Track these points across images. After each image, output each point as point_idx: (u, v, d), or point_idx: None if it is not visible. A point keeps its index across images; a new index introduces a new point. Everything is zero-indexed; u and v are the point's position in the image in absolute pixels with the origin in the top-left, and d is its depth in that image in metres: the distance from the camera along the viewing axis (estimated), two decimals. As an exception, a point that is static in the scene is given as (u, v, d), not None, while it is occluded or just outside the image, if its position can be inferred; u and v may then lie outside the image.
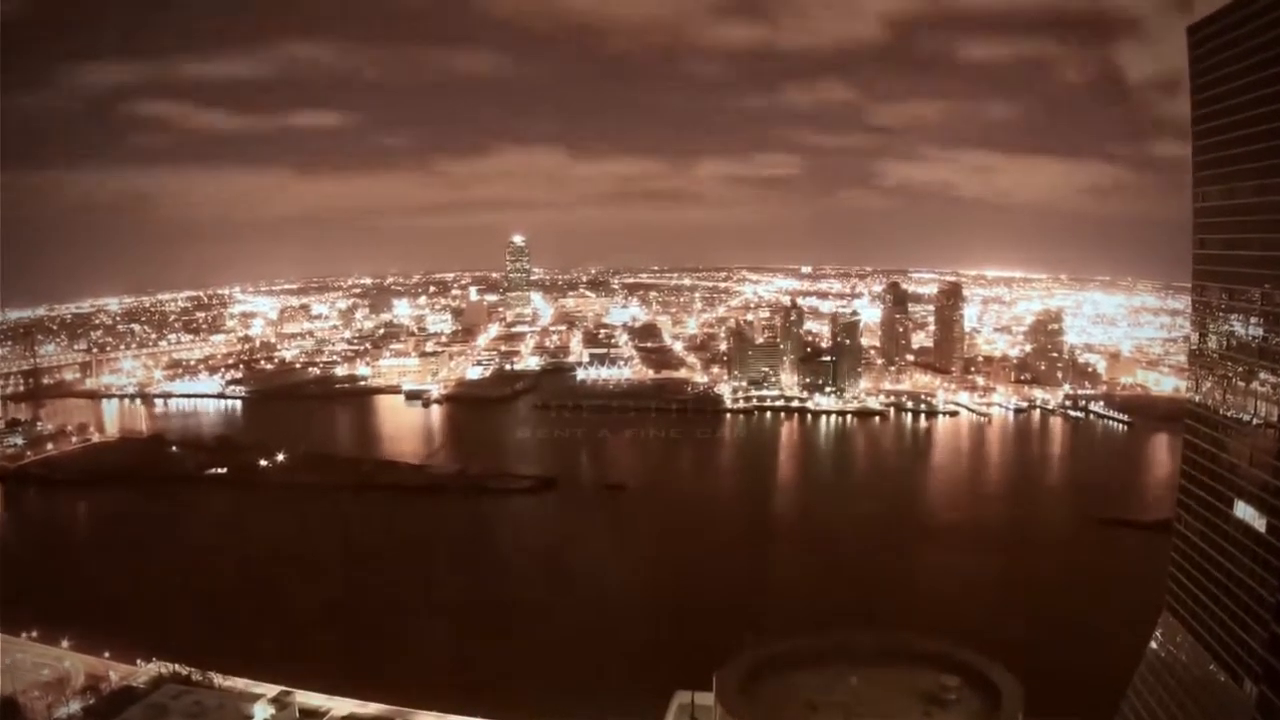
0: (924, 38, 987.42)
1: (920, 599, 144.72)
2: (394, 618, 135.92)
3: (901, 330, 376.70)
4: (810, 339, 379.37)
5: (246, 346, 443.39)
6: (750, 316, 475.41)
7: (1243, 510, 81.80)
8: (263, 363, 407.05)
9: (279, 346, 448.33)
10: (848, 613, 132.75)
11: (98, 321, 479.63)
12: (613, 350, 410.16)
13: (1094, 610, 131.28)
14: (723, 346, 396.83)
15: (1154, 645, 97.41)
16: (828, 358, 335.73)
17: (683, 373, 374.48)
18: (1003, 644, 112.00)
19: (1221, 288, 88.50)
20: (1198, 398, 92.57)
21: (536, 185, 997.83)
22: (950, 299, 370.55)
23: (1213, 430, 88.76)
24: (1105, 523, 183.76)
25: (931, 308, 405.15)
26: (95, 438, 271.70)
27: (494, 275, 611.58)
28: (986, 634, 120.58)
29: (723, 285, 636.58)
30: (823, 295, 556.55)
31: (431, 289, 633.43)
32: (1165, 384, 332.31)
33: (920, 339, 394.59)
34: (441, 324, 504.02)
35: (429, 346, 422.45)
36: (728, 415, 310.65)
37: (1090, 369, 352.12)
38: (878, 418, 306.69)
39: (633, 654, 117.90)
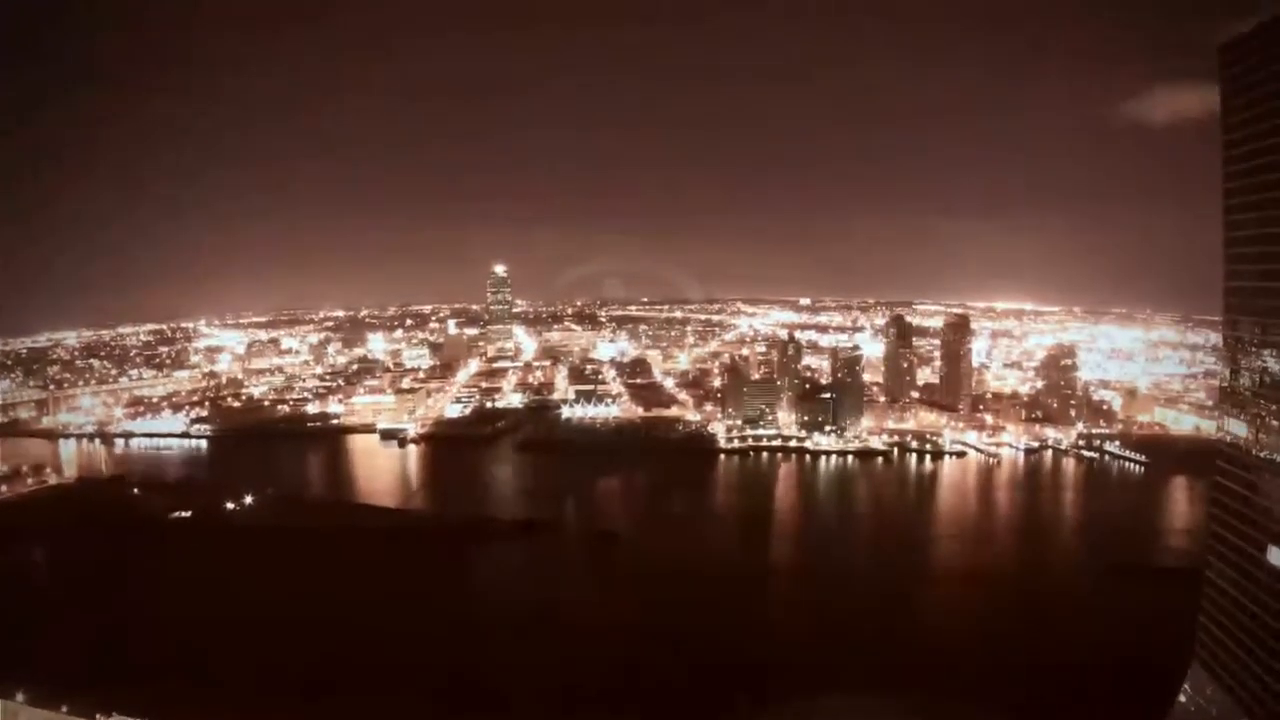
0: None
1: (924, 654, 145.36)
2: (361, 672, 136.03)
3: (906, 365, 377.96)
4: (809, 375, 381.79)
5: (212, 383, 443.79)
6: (745, 351, 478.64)
7: (1277, 557, 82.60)
8: (229, 400, 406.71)
9: (247, 383, 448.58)
10: (850, 670, 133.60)
11: (55, 356, 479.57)
12: (600, 387, 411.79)
13: (1112, 662, 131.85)
14: (716, 383, 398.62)
15: (1182, 699, 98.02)
16: (828, 395, 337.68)
17: (674, 410, 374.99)
18: (1012, 704, 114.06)
19: (1255, 321, 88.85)
20: (1229, 438, 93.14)
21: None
22: (957, 332, 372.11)
23: (1245, 472, 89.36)
24: (1119, 569, 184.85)
25: (937, 342, 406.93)
26: (52, 479, 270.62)
27: (474, 308, 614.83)
28: (996, 691, 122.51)
29: (717, 318, 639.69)
30: (822, 329, 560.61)
31: (408, 322, 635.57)
32: (1185, 422, 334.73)
33: (926, 375, 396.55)
34: (419, 359, 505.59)
35: (405, 383, 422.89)
36: (722, 456, 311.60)
37: (1105, 406, 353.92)
38: (880, 458, 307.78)
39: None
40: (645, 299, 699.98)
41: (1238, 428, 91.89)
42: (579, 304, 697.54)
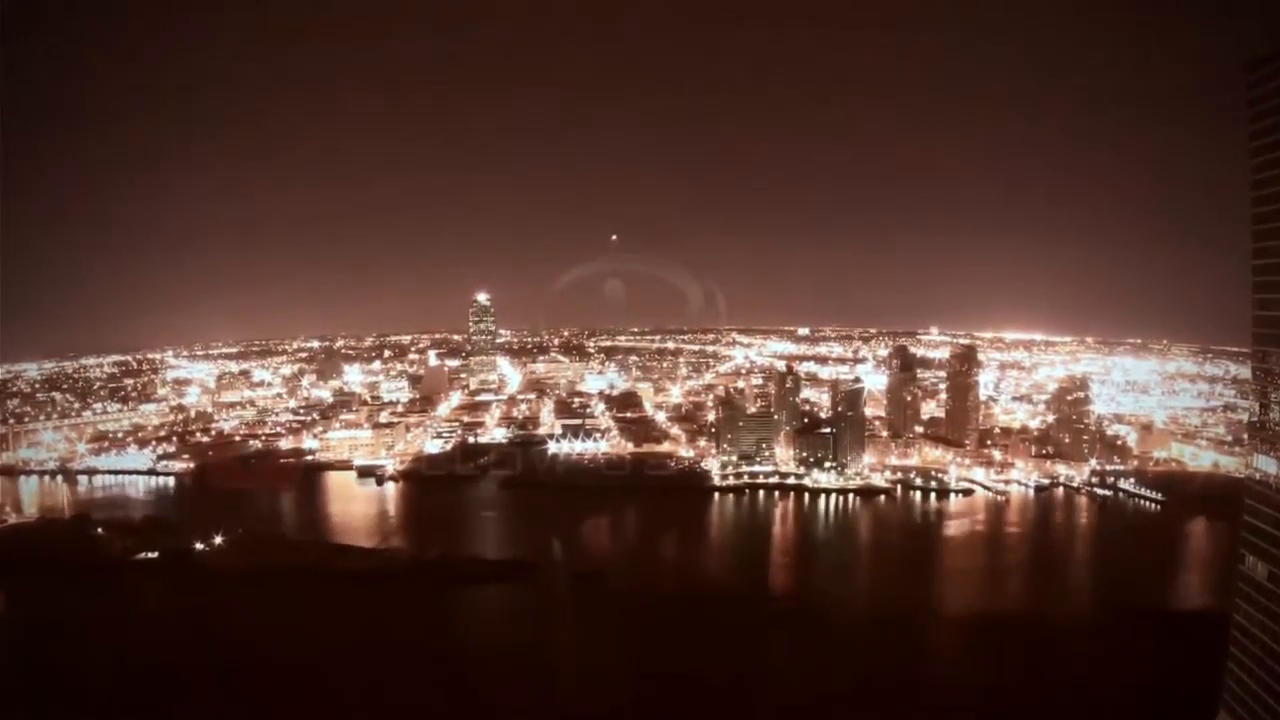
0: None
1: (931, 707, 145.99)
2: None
3: (910, 399, 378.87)
4: (808, 408, 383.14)
5: (180, 417, 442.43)
6: (741, 383, 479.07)
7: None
8: (199, 435, 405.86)
9: (217, 417, 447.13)
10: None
11: (14, 389, 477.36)
12: (588, 421, 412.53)
13: (1136, 712, 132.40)
14: (710, 417, 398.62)
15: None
16: (828, 429, 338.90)
17: (666, 446, 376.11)
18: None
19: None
20: (1257, 475, 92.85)
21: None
22: (964, 364, 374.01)
23: (1275, 511, 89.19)
24: (1139, 614, 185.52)
25: (943, 374, 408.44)
26: (12, 518, 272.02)
27: (456, 338, 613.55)
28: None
29: (711, 349, 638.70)
30: (822, 360, 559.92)
31: (386, 353, 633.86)
32: (1203, 458, 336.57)
33: (931, 408, 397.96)
34: (398, 392, 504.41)
35: (384, 417, 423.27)
36: (716, 494, 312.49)
37: (1120, 442, 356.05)
38: (883, 496, 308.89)
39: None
40: (635, 328, 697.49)
41: (1267, 464, 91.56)
42: (566, 334, 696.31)
